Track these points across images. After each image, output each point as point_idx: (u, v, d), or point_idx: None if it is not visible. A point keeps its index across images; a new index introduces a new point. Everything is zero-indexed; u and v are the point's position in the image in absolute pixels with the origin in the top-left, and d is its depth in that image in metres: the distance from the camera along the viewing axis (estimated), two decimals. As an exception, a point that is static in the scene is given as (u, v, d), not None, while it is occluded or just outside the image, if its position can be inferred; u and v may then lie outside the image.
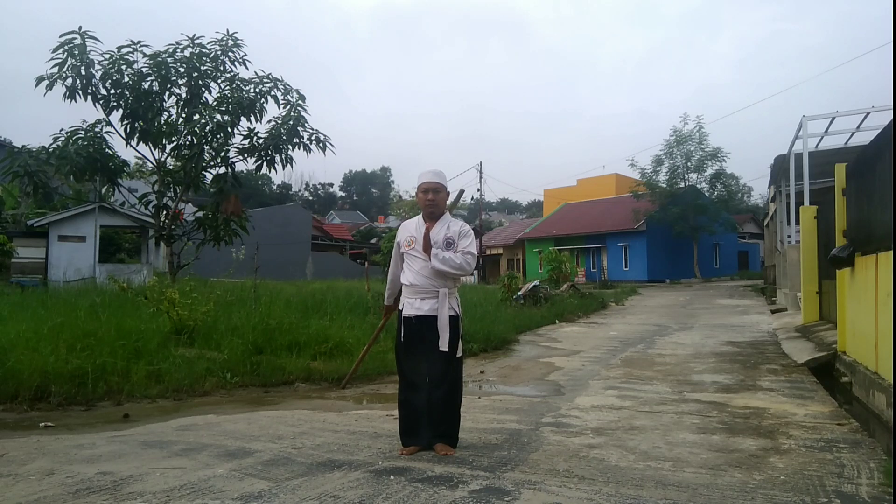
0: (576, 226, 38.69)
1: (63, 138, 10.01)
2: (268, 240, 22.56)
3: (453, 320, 3.64)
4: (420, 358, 3.66)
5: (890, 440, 3.79)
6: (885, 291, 4.54)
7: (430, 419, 3.63)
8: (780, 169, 16.17)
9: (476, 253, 3.53)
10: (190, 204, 13.38)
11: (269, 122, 11.09)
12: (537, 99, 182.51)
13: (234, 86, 10.83)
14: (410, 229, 3.81)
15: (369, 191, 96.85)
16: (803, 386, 5.76)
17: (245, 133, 11.10)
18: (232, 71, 11.11)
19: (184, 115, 10.78)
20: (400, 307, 3.79)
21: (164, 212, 11.13)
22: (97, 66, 10.09)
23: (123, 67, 10.21)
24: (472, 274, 3.62)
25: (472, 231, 3.79)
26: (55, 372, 5.24)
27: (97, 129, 10.29)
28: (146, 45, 10.56)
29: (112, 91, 10.30)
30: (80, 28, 9.91)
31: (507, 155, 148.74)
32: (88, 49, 9.93)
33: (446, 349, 3.58)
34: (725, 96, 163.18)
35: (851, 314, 6.00)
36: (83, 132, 10.13)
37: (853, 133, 13.13)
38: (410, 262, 3.73)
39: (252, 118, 10.93)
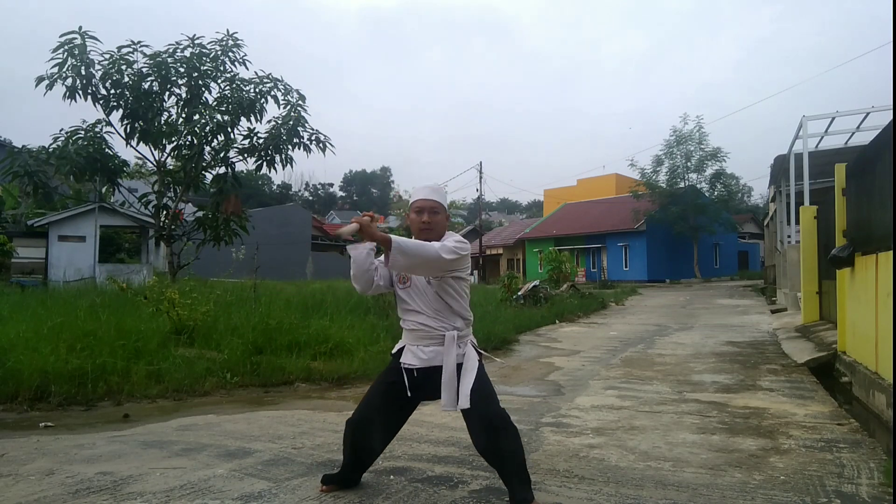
0: (576, 226, 38.71)
1: (63, 138, 10.03)
2: (268, 240, 22.54)
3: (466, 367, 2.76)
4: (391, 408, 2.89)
5: (890, 440, 3.78)
6: (885, 291, 4.54)
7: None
8: (780, 169, 16.18)
9: (456, 248, 2.69)
10: (190, 204, 13.39)
11: (269, 122, 11.12)
12: (537, 99, 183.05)
13: (234, 86, 10.84)
14: None
15: (369, 191, 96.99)
16: (803, 386, 5.76)
17: (245, 133, 11.12)
18: (232, 71, 11.13)
19: (184, 116, 10.79)
20: (394, 351, 2.97)
21: (164, 212, 11.14)
22: (97, 66, 10.10)
23: (123, 67, 10.22)
24: (447, 267, 2.72)
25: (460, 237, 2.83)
26: (55, 372, 5.23)
27: (97, 129, 10.31)
28: (146, 45, 10.59)
29: (112, 91, 10.31)
30: (80, 28, 9.92)
31: (507, 155, 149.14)
32: (88, 49, 9.94)
33: (467, 405, 2.67)
34: (725, 96, 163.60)
35: (851, 314, 6.00)
36: (83, 132, 10.15)
37: (853, 133, 13.13)
38: (407, 300, 2.89)
39: (252, 118, 10.95)
